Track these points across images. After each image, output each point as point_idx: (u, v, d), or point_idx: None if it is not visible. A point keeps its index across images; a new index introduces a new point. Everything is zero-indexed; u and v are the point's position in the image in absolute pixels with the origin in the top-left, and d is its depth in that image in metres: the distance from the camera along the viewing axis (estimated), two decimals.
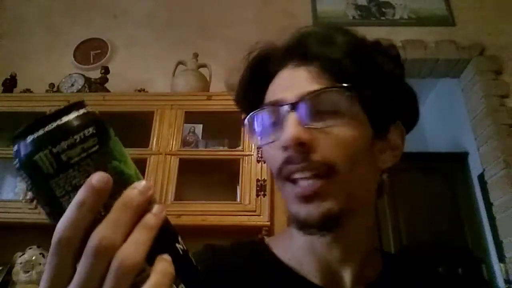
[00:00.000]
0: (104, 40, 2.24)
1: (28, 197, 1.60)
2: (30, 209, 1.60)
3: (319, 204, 0.44)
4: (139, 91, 1.95)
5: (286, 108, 0.46)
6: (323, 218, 0.44)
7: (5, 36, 2.32)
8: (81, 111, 0.30)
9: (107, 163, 0.29)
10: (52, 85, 1.97)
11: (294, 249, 0.52)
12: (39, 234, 1.65)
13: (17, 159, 0.29)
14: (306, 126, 0.44)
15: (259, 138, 0.50)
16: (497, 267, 2.49)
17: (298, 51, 0.50)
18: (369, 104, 0.47)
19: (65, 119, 0.28)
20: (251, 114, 0.50)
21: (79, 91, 1.90)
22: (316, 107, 0.46)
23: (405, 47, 2.17)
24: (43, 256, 1.58)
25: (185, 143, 1.76)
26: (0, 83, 1.98)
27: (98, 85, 1.94)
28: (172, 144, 1.70)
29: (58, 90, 1.94)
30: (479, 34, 2.20)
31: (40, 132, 0.28)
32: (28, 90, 1.97)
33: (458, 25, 2.25)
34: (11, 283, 1.58)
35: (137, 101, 1.85)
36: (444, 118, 3.33)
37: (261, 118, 0.50)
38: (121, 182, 0.29)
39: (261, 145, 0.51)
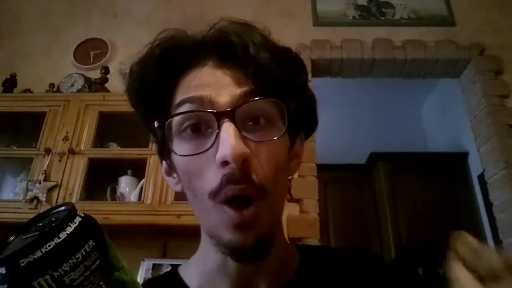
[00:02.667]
0: (104, 40, 2.24)
1: (28, 197, 1.60)
2: (30, 209, 1.60)
3: (255, 230, 0.40)
4: None
5: (220, 115, 0.40)
6: (258, 244, 0.41)
7: (5, 36, 2.32)
8: (77, 221, 0.27)
9: (110, 277, 0.27)
10: (52, 85, 1.97)
11: (207, 272, 0.48)
12: None
13: (6, 285, 0.24)
14: (245, 138, 0.40)
15: (174, 143, 0.43)
16: None
17: (220, 49, 0.44)
18: (291, 115, 0.43)
19: (62, 235, 0.25)
20: (171, 116, 0.43)
21: (79, 91, 1.90)
22: (252, 117, 0.42)
23: (405, 47, 2.17)
24: None
25: None
26: (0, 83, 1.97)
27: (98, 85, 1.93)
28: None
29: (58, 90, 1.94)
30: (479, 34, 2.20)
31: (37, 254, 0.24)
32: (28, 90, 1.96)
33: (458, 25, 2.25)
34: None
35: None
36: (444, 118, 3.33)
37: (178, 121, 0.42)
38: None
39: (183, 155, 0.42)
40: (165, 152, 0.48)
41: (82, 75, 1.97)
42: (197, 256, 0.52)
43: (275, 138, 0.42)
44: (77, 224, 0.26)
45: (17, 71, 2.02)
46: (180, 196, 1.64)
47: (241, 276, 0.46)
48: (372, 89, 3.24)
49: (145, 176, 1.63)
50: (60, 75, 1.99)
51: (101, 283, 0.26)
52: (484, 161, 2.08)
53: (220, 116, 0.40)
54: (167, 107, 0.45)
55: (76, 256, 0.25)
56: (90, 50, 2.23)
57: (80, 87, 1.91)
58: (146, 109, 0.47)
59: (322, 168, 1.96)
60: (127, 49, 2.25)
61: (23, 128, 1.94)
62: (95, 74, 2.02)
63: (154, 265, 1.57)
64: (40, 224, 0.28)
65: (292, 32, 2.15)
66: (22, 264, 0.24)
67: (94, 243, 0.26)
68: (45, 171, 1.64)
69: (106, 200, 1.72)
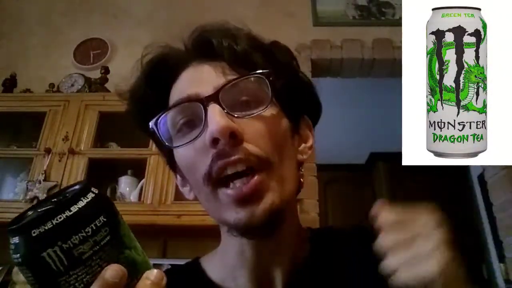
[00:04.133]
0: (104, 40, 2.24)
1: (28, 197, 1.60)
2: None
3: (260, 201, 0.41)
4: None
5: (204, 101, 0.42)
6: (268, 216, 0.41)
7: (5, 36, 2.32)
8: (89, 196, 0.27)
9: (119, 254, 0.27)
10: (52, 85, 1.97)
11: (228, 263, 0.49)
12: None
13: (18, 254, 0.25)
14: (231, 116, 0.41)
15: (170, 142, 0.45)
16: (497, 267, 2.49)
17: (200, 49, 0.47)
18: (281, 95, 0.45)
19: (74, 209, 0.26)
20: (160, 115, 0.44)
21: (79, 91, 1.90)
22: (237, 97, 0.43)
23: None
24: None
25: None
26: (0, 83, 1.98)
27: (98, 85, 1.93)
28: None
29: (58, 90, 1.94)
30: None
31: (48, 225, 0.25)
32: (28, 90, 1.96)
33: None
34: (11, 283, 1.58)
35: None
36: None
37: (171, 119, 0.45)
38: (133, 271, 0.27)
39: (179, 146, 0.44)
40: (173, 162, 0.49)
41: (82, 75, 1.97)
42: (219, 248, 0.53)
43: (261, 109, 0.43)
44: (89, 199, 0.27)
45: (17, 71, 2.02)
46: (180, 196, 1.64)
47: (258, 263, 0.47)
48: (372, 89, 3.24)
49: (145, 176, 1.63)
50: (60, 75, 1.99)
51: (111, 259, 0.26)
52: None
53: (205, 101, 0.42)
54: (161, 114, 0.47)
55: (86, 230, 0.25)
56: (90, 50, 2.23)
57: (80, 87, 1.91)
58: (147, 122, 0.48)
59: (322, 168, 1.96)
60: (127, 49, 2.25)
61: (23, 128, 1.94)
62: (95, 74, 2.02)
63: (153, 265, 1.57)
64: (55, 199, 0.28)
65: (292, 32, 2.15)
66: (33, 234, 0.25)
67: (105, 219, 0.27)
68: (45, 171, 1.64)
69: None
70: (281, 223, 0.44)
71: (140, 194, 1.65)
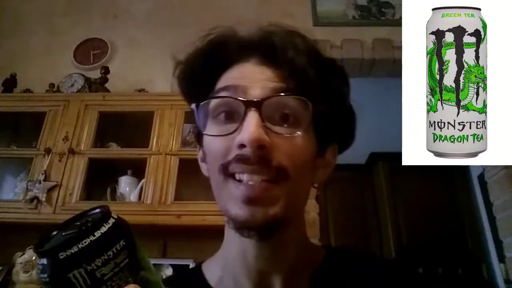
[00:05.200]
0: (104, 40, 2.24)
1: (28, 197, 1.60)
2: (30, 209, 1.60)
3: (265, 208, 0.42)
4: (139, 91, 1.95)
5: (247, 105, 0.43)
6: (267, 223, 0.42)
7: (5, 36, 2.32)
8: (110, 222, 0.30)
9: (136, 275, 0.29)
10: (52, 85, 1.97)
11: (228, 264, 0.50)
12: (39, 234, 1.65)
13: (46, 274, 0.28)
14: (267, 128, 0.42)
15: (207, 126, 0.47)
16: (497, 267, 2.49)
17: (262, 49, 0.48)
18: (320, 121, 0.46)
19: (97, 234, 0.28)
20: (203, 101, 0.46)
21: (79, 91, 1.90)
22: (279, 110, 0.44)
23: None
24: None
25: (185, 143, 1.76)
26: (0, 83, 1.98)
27: (98, 85, 1.93)
28: (172, 144, 1.70)
29: (58, 90, 1.94)
30: None
31: (74, 249, 0.28)
32: (28, 90, 1.96)
33: None
34: (11, 283, 1.58)
35: (137, 101, 1.85)
36: None
37: (213, 106, 0.46)
38: None
39: (209, 135, 0.46)
40: (200, 138, 0.51)
41: (82, 75, 1.97)
42: (219, 251, 0.54)
43: (297, 133, 0.44)
44: (110, 225, 0.30)
45: (17, 71, 2.02)
46: (180, 196, 1.64)
47: (257, 264, 0.47)
48: (372, 89, 3.24)
49: (145, 176, 1.64)
50: (60, 75, 1.99)
51: (129, 279, 0.28)
52: None
53: (248, 104, 0.43)
54: (207, 95, 0.48)
55: (108, 253, 0.28)
56: (90, 50, 2.23)
57: (80, 87, 1.91)
58: (191, 95, 0.50)
59: None
60: (127, 49, 2.25)
61: (23, 128, 1.94)
62: (95, 74, 2.02)
63: (154, 265, 1.57)
64: (78, 223, 0.31)
65: None
66: (61, 257, 0.27)
67: (124, 243, 0.29)
68: (45, 171, 1.64)
69: (106, 200, 1.72)
70: (279, 232, 0.44)
71: (140, 194, 1.65)
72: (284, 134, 0.43)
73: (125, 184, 1.74)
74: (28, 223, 1.61)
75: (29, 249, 1.59)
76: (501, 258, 2.29)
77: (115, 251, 0.28)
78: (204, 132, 0.47)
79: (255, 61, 0.48)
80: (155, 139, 1.70)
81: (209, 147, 0.47)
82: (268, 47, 0.47)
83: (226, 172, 0.43)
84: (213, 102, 0.46)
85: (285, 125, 0.44)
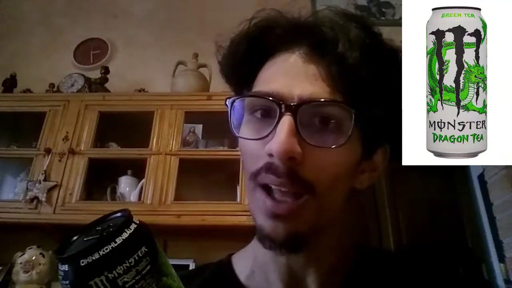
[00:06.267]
0: (104, 40, 2.24)
1: (28, 197, 1.60)
2: (30, 209, 1.60)
3: (288, 224, 0.40)
4: (139, 91, 1.95)
5: (283, 109, 0.39)
6: (289, 238, 0.40)
7: (5, 36, 2.32)
8: (132, 228, 0.29)
9: (158, 281, 0.29)
10: (52, 85, 1.97)
11: (259, 259, 0.49)
12: (39, 234, 1.66)
13: (67, 281, 0.28)
14: (301, 137, 0.39)
15: (239, 127, 0.45)
16: (497, 267, 2.49)
17: (310, 37, 0.43)
18: (369, 124, 0.41)
19: (118, 240, 0.28)
20: (239, 98, 0.44)
21: (79, 91, 1.90)
22: (317, 117, 0.40)
23: None
24: (43, 256, 1.58)
25: (185, 143, 1.76)
26: (0, 83, 1.98)
27: (98, 85, 1.94)
28: (172, 144, 1.70)
29: (58, 90, 1.94)
30: None
31: (95, 256, 0.27)
32: (28, 90, 1.97)
33: None
34: (11, 283, 1.58)
35: (137, 101, 1.85)
36: None
37: (249, 103, 0.43)
38: None
39: (242, 137, 0.44)
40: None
41: (82, 75, 1.97)
42: (251, 244, 0.52)
43: (333, 146, 0.40)
44: (132, 230, 0.29)
45: (17, 71, 2.02)
46: (180, 196, 1.65)
47: (289, 267, 0.46)
48: None
49: (145, 176, 1.64)
50: (60, 75, 1.99)
51: (151, 286, 0.28)
52: None
53: (283, 109, 0.40)
54: (251, 83, 0.46)
55: (130, 261, 0.27)
56: (90, 50, 2.23)
57: (80, 87, 1.91)
58: (234, 82, 0.48)
59: None
60: (127, 49, 2.25)
61: (23, 128, 1.94)
62: (95, 74, 2.02)
63: None
64: (99, 228, 0.31)
65: None
66: (82, 264, 0.27)
67: (146, 249, 0.29)
68: (45, 171, 1.64)
69: (106, 200, 1.72)
70: (307, 245, 0.42)
71: (140, 194, 1.65)
72: (319, 146, 0.39)
73: (125, 184, 1.74)
74: (28, 223, 1.61)
75: (29, 249, 1.59)
76: (501, 258, 2.29)
77: (136, 258, 0.28)
78: (237, 135, 0.44)
79: (301, 52, 0.43)
80: (155, 139, 1.70)
81: (242, 148, 0.45)
82: (317, 37, 0.42)
83: (255, 181, 0.42)
84: (249, 101, 0.43)
85: (324, 133, 0.40)
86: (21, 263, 1.55)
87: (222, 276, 0.51)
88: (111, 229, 0.29)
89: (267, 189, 0.41)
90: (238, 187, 1.66)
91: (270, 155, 0.39)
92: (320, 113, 0.41)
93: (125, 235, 0.28)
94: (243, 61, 0.47)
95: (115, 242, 0.28)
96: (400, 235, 2.84)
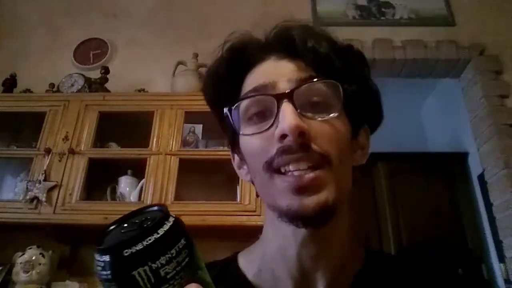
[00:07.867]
0: (104, 40, 2.24)
1: (28, 197, 1.60)
2: (30, 209, 1.60)
3: (316, 195, 0.42)
4: (139, 91, 1.95)
5: (279, 98, 0.44)
6: (320, 209, 0.42)
7: (5, 36, 2.32)
8: (171, 220, 0.30)
9: (194, 274, 0.30)
10: (52, 85, 1.97)
11: (267, 257, 0.50)
12: (39, 234, 1.66)
13: (108, 272, 0.28)
14: (302, 116, 0.43)
15: (241, 128, 0.47)
16: (497, 267, 2.49)
17: (281, 44, 0.49)
18: (350, 102, 0.46)
19: (161, 231, 0.28)
20: (236, 103, 0.47)
21: (79, 91, 1.90)
22: (310, 98, 0.45)
23: (405, 47, 2.17)
24: (43, 256, 1.58)
25: (185, 143, 1.76)
26: (0, 83, 1.98)
27: (98, 85, 1.94)
28: (172, 144, 1.70)
29: (58, 90, 1.94)
30: (479, 34, 2.20)
31: (139, 246, 0.27)
32: (28, 90, 1.97)
33: (458, 25, 2.25)
34: (11, 283, 1.58)
35: (137, 101, 1.85)
36: (444, 118, 3.33)
37: (245, 108, 0.47)
38: None
39: (247, 134, 0.47)
40: (235, 145, 0.51)
41: (82, 75, 1.97)
42: (258, 242, 0.54)
43: (331, 115, 0.45)
44: (171, 223, 0.30)
45: (17, 71, 2.02)
46: (180, 196, 1.65)
47: (300, 262, 0.47)
48: None
49: (145, 176, 1.64)
50: (60, 75, 1.99)
51: (189, 278, 0.29)
52: (484, 161, 2.08)
53: (280, 98, 0.44)
54: (236, 100, 0.49)
55: (171, 252, 0.28)
56: (90, 50, 2.23)
57: (80, 87, 1.91)
58: (219, 104, 0.50)
59: None
60: (127, 49, 2.25)
61: (23, 128, 1.94)
62: (95, 74, 2.02)
63: None
64: (137, 221, 0.31)
65: None
66: (125, 254, 0.27)
67: (185, 242, 0.30)
68: (45, 171, 1.64)
69: (106, 200, 1.72)
70: (331, 217, 0.44)
71: (140, 194, 1.65)
72: (320, 119, 0.44)
73: (125, 184, 1.74)
74: (28, 223, 1.61)
75: (29, 249, 1.59)
76: (501, 258, 2.29)
77: (177, 249, 0.29)
78: (244, 133, 0.47)
79: (275, 57, 0.49)
80: (155, 139, 1.71)
81: (248, 148, 0.48)
82: (286, 41, 0.48)
83: (271, 168, 0.44)
84: (244, 104, 0.47)
85: (319, 111, 0.45)
86: (21, 263, 1.55)
87: (229, 274, 0.52)
88: (149, 222, 0.30)
89: (284, 173, 0.43)
90: (238, 187, 1.66)
91: (282, 136, 0.42)
92: (313, 93, 0.45)
93: (166, 227, 0.29)
94: (226, 82, 0.51)
95: (158, 234, 0.28)
96: (400, 235, 2.83)
